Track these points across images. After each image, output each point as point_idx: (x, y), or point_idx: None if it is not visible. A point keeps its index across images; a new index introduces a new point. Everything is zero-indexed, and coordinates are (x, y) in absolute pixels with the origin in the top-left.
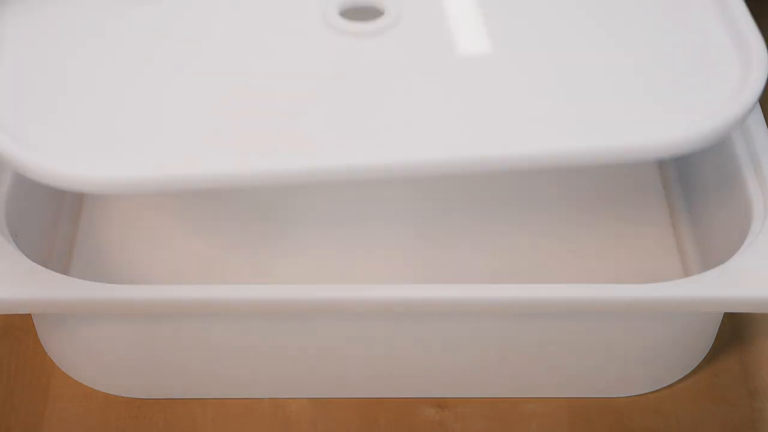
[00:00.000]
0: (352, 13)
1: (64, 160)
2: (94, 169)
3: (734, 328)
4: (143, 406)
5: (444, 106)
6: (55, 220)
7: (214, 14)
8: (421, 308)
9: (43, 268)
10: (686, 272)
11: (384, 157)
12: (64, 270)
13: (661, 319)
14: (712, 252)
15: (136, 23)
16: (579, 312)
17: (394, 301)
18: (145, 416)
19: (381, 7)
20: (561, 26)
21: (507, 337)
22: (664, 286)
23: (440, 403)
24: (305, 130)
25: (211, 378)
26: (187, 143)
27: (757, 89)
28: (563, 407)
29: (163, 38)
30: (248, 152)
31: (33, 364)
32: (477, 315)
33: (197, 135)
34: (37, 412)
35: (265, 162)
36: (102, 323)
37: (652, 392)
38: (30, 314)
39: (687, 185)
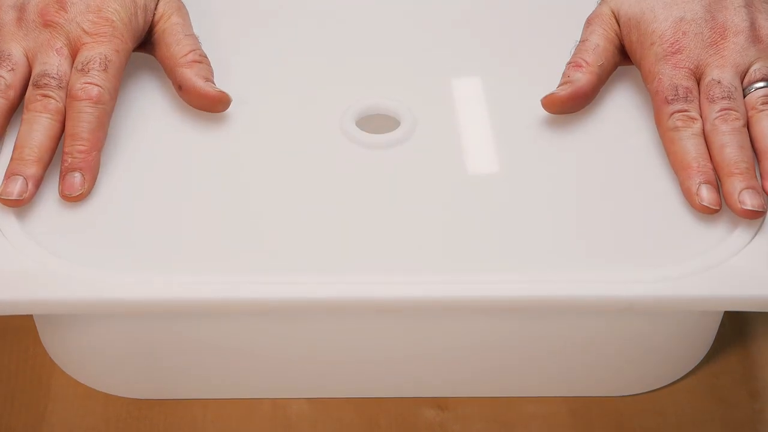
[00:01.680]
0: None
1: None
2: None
3: (735, 328)
4: (144, 406)
5: (448, 232)
6: None
7: (231, 114)
8: (422, 308)
9: (44, 269)
10: None
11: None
12: None
13: (661, 318)
14: None
15: (160, 129)
16: (579, 311)
17: (394, 300)
18: (146, 417)
19: (397, 117)
20: (571, 149)
21: (507, 337)
22: (664, 285)
23: (440, 404)
24: (307, 256)
25: (211, 378)
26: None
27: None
28: (563, 407)
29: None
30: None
31: (34, 365)
32: (477, 315)
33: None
34: (37, 412)
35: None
36: (103, 324)
37: (652, 392)
38: (31, 315)
39: None
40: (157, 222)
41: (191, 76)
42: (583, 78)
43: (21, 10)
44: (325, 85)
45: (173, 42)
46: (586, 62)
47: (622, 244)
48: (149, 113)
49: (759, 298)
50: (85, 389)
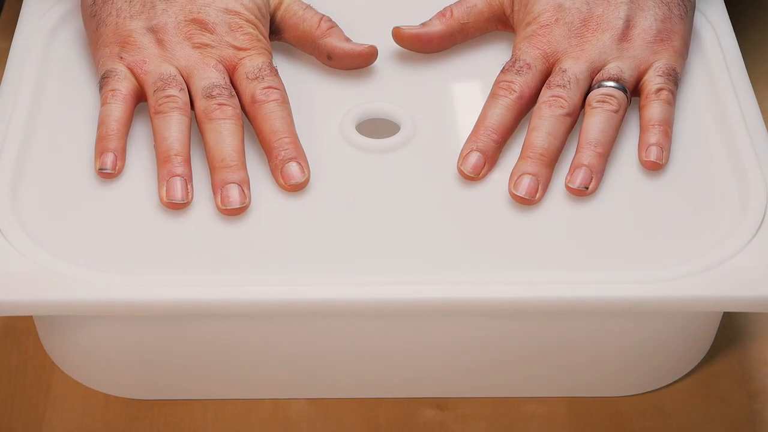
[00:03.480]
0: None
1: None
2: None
3: (734, 329)
4: (143, 406)
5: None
6: None
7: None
8: (421, 309)
9: (44, 270)
10: None
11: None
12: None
13: (661, 319)
14: None
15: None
16: (578, 312)
17: (394, 302)
18: (146, 417)
19: (397, 121)
20: (570, 152)
21: (507, 338)
22: (663, 286)
23: (440, 404)
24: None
25: (211, 379)
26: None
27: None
28: (563, 407)
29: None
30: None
31: (34, 365)
32: (477, 315)
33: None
34: (37, 413)
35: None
36: (103, 324)
37: (652, 392)
38: (31, 315)
39: None
40: (157, 223)
41: (336, 43)
42: (436, 27)
43: (157, 31)
44: (325, 89)
45: (299, 21)
46: (451, 14)
47: (621, 245)
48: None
49: (758, 299)
50: (85, 390)
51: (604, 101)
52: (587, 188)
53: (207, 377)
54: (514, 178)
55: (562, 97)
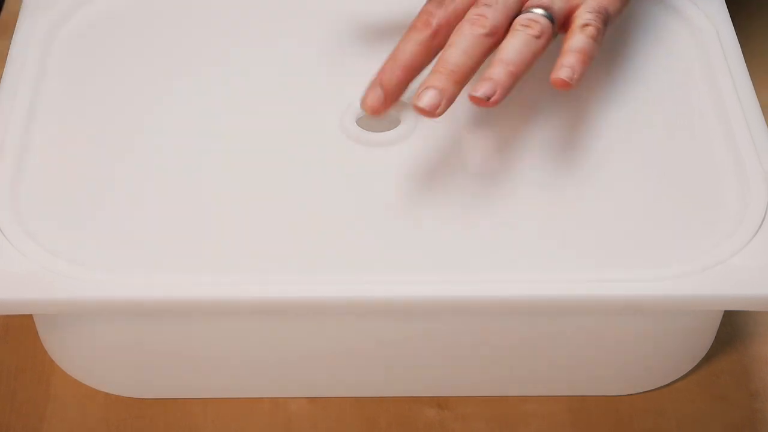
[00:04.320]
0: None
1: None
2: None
3: (735, 328)
4: (143, 405)
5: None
6: None
7: (232, 113)
8: (422, 307)
9: (43, 269)
10: None
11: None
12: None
13: (661, 318)
14: None
15: (162, 129)
16: (578, 310)
17: (394, 300)
18: (146, 416)
19: (398, 115)
20: (570, 149)
21: (507, 337)
22: (664, 285)
23: (440, 403)
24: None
25: (211, 377)
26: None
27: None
28: (563, 407)
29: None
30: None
31: (34, 364)
32: (477, 313)
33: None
34: (37, 412)
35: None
36: (103, 323)
37: (652, 391)
38: (31, 314)
39: None
40: (158, 222)
41: None
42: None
43: None
44: (325, 82)
45: None
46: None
47: (621, 243)
48: (150, 112)
49: (759, 298)
50: (85, 389)
51: (527, 26)
52: (489, 99)
53: (207, 376)
54: (420, 90)
55: (485, 16)
